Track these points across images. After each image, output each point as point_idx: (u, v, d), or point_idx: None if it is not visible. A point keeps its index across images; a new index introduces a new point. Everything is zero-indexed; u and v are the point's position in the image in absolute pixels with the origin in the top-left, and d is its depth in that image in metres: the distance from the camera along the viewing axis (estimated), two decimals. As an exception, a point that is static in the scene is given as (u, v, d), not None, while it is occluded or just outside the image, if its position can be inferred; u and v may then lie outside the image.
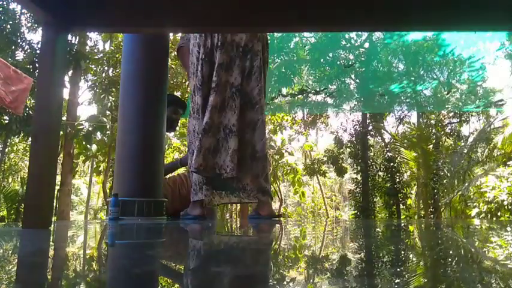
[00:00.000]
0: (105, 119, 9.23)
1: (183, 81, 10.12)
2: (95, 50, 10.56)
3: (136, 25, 2.11)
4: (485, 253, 0.99)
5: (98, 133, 9.65)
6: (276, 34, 6.44)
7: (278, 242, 1.32)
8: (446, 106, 7.86)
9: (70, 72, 9.90)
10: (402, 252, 1.00)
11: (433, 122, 13.00)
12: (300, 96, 6.87)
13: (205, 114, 2.36)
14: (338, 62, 6.61)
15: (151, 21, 2.07)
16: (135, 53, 2.70)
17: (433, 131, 12.38)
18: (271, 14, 2.04)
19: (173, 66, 9.66)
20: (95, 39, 10.88)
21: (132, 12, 2.04)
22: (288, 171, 13.32)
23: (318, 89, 6.77)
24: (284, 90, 7.02)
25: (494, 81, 6.02)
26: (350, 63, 6.45)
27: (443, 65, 6.06)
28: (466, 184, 11.11)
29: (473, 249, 1.09)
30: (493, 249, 1.10)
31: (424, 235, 1.59)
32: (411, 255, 0.96)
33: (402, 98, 6.89)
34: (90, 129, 9.44)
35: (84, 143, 9.60)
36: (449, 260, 0.87)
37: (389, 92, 6.46)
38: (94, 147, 9.95)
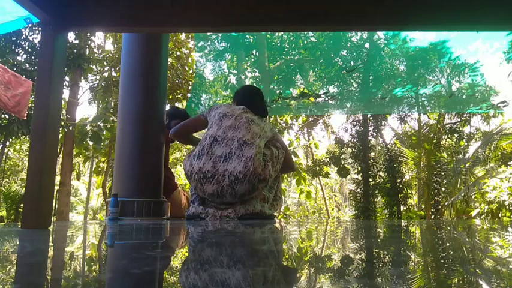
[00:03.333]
0: (112, 118, 9.21)
1: (184, 81, 10.13)
2: (96, 50, 10.55)
3: (135, 25, 2.10)
4: (493, 254, 0.98)
5: (104, 133, 9.65)
6: (276, 34, 6.44)
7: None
8: (449, 107, 7.85)
9: (70, 73, 9.91)
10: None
11: (434, 121, 13.01)
12: (304, 99, 6.85)
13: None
14: (340, 64, 6.60)
15: (150, 21, 2.07)
16: (134, 53, 2.70)
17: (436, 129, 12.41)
18: (271, 14, 2.04)
19: (174, 66, 9.67)
20: (98, 42, 10.91)
21: (131, 11, 2.04)
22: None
23: (318, 92, 6.76)
24: (286, 92, 7.02)
25: (496, 83, 5.99)
26: (352, 67, 6.44)
27: (447, 69, 6.06)
28: (471, 184, 11.11)
29: (484, 250, 1.08)
30: (499, 249, 1.09)
31: (437, 237, 1.59)
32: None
33: (404, 100, 6.88)
34: (95, 129, 9.42)
35: (92, 143, 9.59)
36: (461, 260, 0.87)
37: (392, 95, 6.45)
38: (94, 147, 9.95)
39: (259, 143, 2.52)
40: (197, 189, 2.53)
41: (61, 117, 4.44)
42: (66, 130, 9.59)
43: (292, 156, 13.00)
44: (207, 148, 2.47)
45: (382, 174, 12.39)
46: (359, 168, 11.96)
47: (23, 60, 9.03)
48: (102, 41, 14.91)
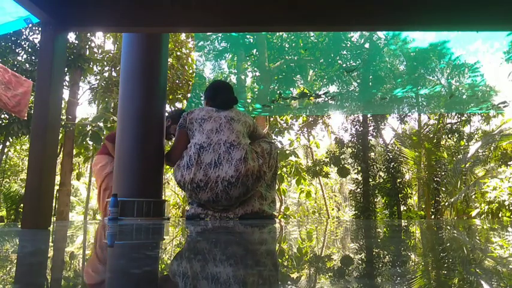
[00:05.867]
0: (112, 118, 9.20)
1: (184, 81, 10.13)
2: (96, 50, 10.55)
3: (135, 25, 2.10)
4: (494, 254, 0.98)
5: (104, 133, 9.65)
6: (276, 34, 6.44)
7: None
8: (449, 108, 7.85)
9: (70, 73, 9.92)
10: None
11: (434, 121, 13.02)
12: (304, 99, 6.84)
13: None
14: (340, 63, 6.60)
15: (150, 21, 2.07)
16: (134, 53, 2.70)
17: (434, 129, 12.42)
18: (271, 14, 2.04)
19: (174, 66, 9.67)
20: (98, 42, 10.91)
21: (131, 11, 2.04)
22: (292, 171, 13.33)
23: (318, 92, 6.75)
24: (286, 92, 7.00)
25: (496, 84, 5.99)
26: (352, 67, 6.44)
27: (447, 69, 6.06)
28: (471, 184, 11.10)
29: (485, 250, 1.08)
30: (499, 249, 1.09)
31: (437, 237, 1.59)
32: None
33: (404, 100, 6.88)
34: (95, 129, 9.42)
35: (92, 143, 9.59)
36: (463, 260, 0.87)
37: (392, 96, 6.46)
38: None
39: (245, 141, 2.53)
40: (192, 197, 2.54)
41: (61, 117, 4.44)
42: (66, 130, 9.58)
43: (293, 156, 12.98)
44: (195, 157, 2.45)
45: (382, 174, 12.38)
46: (359, 168, 11.96)
47: (23, 60, 9.04)
48: (102, 41, 14.91)
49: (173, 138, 3.58)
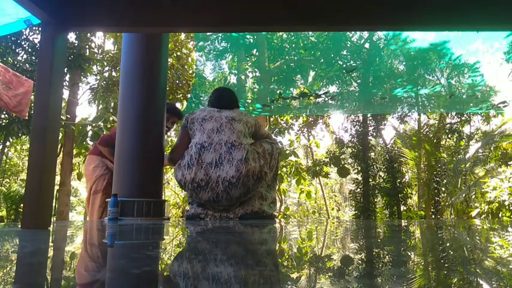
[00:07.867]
0: (112, 118, 9.19)
1: (184, 82, 10.12)
2: (96, 50, 10.54)
3: (135, 25, 2.10)
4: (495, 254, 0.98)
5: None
6: (276, 34, 6.44)
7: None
8: (449, 108, 7.86)
9: (70, 73, 9.92)
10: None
11: (434, 121, 13.01)
12: (305, 99, 6.84)
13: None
14: (340, 64, 6.60)
15: (150, 21, 2.07)
16: (134, 53, 2.70)
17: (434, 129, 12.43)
18: (271, 14, 2.04)
19: (174, 66, 9.66)
20: (98, 43, 10.89)
21: (131, 11, 2.04)
22: (292, 171, 13.31)
23: (318, 92, 6.74)
24: (286, 92, 6.99)
25: (496, 84, 6.00)
26: (352, 67, 6.45)
27: (446, 69, 6.07)
28: (471, 184, 11.10)
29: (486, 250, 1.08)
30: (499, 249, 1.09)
31: (437, 237, 1.59)
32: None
33: (404, 100, 6.88)
34: (95, 129, 9.41)
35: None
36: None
37: (392, 96, 6.46)
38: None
39: (247, 141, 2.54)
40: (193, 197, 2.55)
41: (61, 117, 4.43)
42: (66, 130, 9.58)
43: (293, 156, 12.97)
44: (196, 156, 2.46)
45: (382, 174, 12.37)
46: (359, 168, 11.95)
47: (23, 60, 9.03)
48: (102, 41, 14.90)
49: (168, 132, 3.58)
